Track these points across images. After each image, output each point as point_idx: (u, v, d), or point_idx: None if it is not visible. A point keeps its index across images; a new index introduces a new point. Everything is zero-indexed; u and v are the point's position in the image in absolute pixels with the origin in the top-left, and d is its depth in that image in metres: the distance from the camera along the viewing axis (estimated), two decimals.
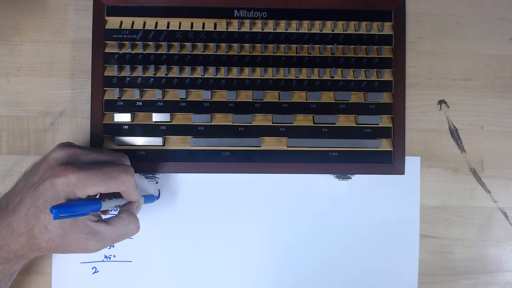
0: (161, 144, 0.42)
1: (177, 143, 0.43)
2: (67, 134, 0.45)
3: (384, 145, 0.44)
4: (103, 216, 0.39)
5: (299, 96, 0.44)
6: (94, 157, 0.36)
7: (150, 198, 0.43)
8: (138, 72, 0.43)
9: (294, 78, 0.43)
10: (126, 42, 0.42)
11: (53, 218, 0.31)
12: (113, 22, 0.43)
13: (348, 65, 0.44)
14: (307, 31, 0.44)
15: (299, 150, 0.43)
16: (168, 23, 0.43)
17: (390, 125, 0.44)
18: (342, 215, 0.46)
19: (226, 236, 0.46)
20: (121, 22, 0.43)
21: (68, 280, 0.44)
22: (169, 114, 0.42)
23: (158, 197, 0.45)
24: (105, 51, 0.43)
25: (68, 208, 0.32)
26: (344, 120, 0.44)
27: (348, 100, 0.44)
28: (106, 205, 0.35)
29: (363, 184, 0.47)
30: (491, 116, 0.48)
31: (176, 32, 0.43)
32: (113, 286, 0.45)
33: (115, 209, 0.39)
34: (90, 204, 0.33)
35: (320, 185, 0.46)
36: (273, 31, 0.44)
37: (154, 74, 0.43)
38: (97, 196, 0.37)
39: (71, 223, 0.34)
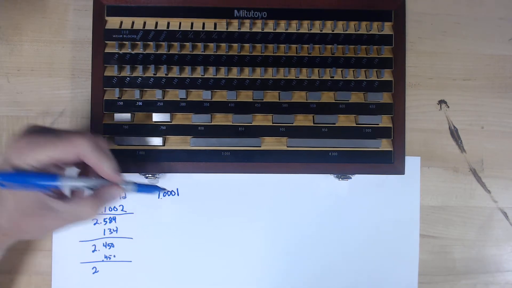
0: (161, 144, 0.42)
1: (177, 143, 0.43)
2: None
3: (384, 145, 0.44)
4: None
5: (299, 96, 0.44)
6: (53, 130, 0.35)
7: (150, 188, 0.39)
8: (138, 72, 0.43)
9: (294, 78, 0.43)
10: (126, 42, 0.42)
11: None
12: (113, 22, 0.43)
13: (348, 65, 0.44)
14: (307, 31, 0.44)
15: (299, 150, 0.43)
16: (168, 23, 0.43)
17: (390, 125, 0.44)
18: (342, 215, 0.46)
19: (226, 236, 0.46)
20: (121, 22, 0.43)
21: (68, 280, 0.44)
22: (169, 114, 0.42)
23: (164, 190, 0.42)
24: (105, 51, 0.43)
25: (16, 177, 0.30)
26: (344, 120, 0.44)
27: (348, 100, 0.44)
28: (68, 181, 0.33)
29: (363, 184, 0.47)
30: (491, 116, 0.48)
31: (176, 32, 0.43)
32: (113, 286, 0.45)
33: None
34: (43, 176, 0.32)
35: (320, 185, 0.46)
36: (273, 31, 0.44)
37: (154, 74, 0.43)
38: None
39: (28, 200, 0.33)
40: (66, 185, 0.33)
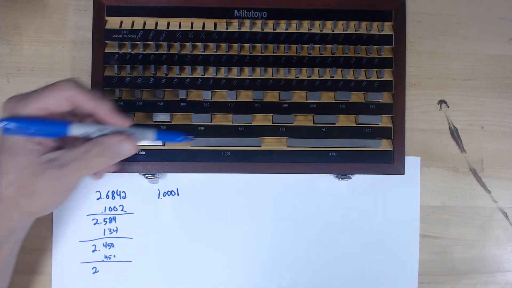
0: (161, 144, 0.42)
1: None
2: None
3: (384, 145, 0.44)
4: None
5: (299, 96, 0.44)
6: (35, 90, 0.32)
7: (171, 135, 0.34)
8: (138, 72, 0.43)
9: (294, 78, 0.43)
10: (126, 42, 0.42)
11: (1, 132, 0.28)
12: (113, 22, 0.43)
13: (348, 65, 0.44)
14: (307, 31, 0.44)
15: (299, 150, 0.43)
16: (168, 23, 0.43)
17: (390, 125, 0.44)
18: (342, 215, 0.46)
19: (226, 235, 0.46)
20: (121, 22, 0.43)
21: (68, 280, 0.44)
22: (169, 114, 0.42)
23: (192, 138, 0.36)
24: (105, 51, 0.43)
25: (27, 122, 0.28)
26: (344, 120, 0.44)
27: (348, 100, 0.44)
28: (79, 126, 0.30)
29: (363, 184, 0.47)
30: (491, 116, 0.48)
31: (176, 32, 0.43)
32: (113, 286, 0.45)
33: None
34: (54, 122, 0.29)
35: (320, 185, 0.46)
36: (273, 31, 0.44)
37: (154, 74, 0.43)
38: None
39: (24, 158, 0.30)
40: (77, 132, 0.30)
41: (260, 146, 0.43)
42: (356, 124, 0.44)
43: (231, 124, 0.43)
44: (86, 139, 0.31)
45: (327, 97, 0.44)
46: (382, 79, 0.44)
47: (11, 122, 0.28)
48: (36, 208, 0.32)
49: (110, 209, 0.45)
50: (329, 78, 0.44)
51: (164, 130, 0.33)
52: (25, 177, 0.30)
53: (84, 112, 0.32)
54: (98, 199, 0.45)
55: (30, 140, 0.31)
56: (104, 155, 0.31)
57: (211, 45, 0.43)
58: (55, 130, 0.29)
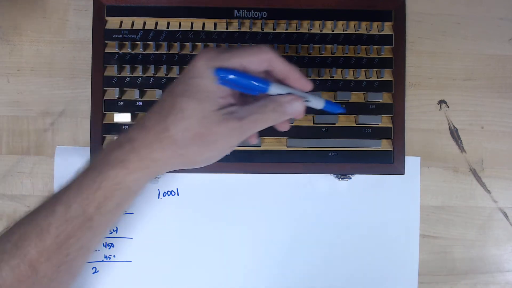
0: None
1: None
2: (67, 134, 0.45)
3: (384, 145, 0.44)
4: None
5: None
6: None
7: (336, 106, 0.36)
8: (138, 72, 0.43)
9: None
10: (126, 42, 0.42)
11: (217, 81, 0.29)
12: (113, 22, 0.43)
13: (348, 65, 0.44)
14: (307, 31, 0.44)
15: (299, 150, 0.43)
16: (168, 23, 0.43)
17: (390, 125, 0.44)
18: (342, 215, 0.46)
19: (226, 235, 0.46)
20: (121, 22, 0.43)
21: None
22: None
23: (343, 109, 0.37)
24: (105, 51, 0.43)
25: (234, 73, 0.29)
26: (344, 120, 0.44)
27: (348, 100, 0.44)
28: (278, 87, 0.32)
29: (363, 184, 0.46)
30: (491, 116, 0.48)
31: (176, 32, 0.43)
32: (113, 286, 0.45)
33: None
34: (257, 79, 0.31)
35: (320, 185, 0.46)
36: (273, 31, 0.44)
37: (154, 74, 0.43)
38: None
39: (208, 107, 0.31)
40: (274, 91, 0.32)
41: (260, 146, 0.43)
42: (356, 124, 0.44)
43: None
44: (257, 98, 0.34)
45: (327, 97, 0.44)
46: (382, 79, 0.44)
47: (231, 74, 0.30)
48: (203, 158, 0.34)
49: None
50: (329, 78, 0.44)
51: (331, 102, 0.35)
52: (205, 125, 0.31)
53: (275, 75, 0.33)
54: None
55: (219, 91, 0.31)
56: (278, 110, 0.33)
57: (211, 45, 0.43)
58: (259, 87, 0.31)
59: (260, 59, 0.32)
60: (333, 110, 0.36)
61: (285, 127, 0.37)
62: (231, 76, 0.30)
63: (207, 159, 0.34)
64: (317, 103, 0.35)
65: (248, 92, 0.31)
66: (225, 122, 0.31)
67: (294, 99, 0.33)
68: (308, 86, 0.34)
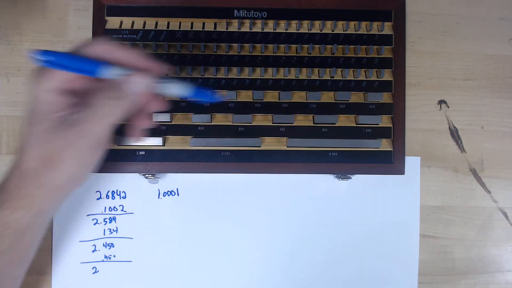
0: (161, 144, 0.42)
1: (177, 143, 0.43)
2: None
3: (384, 145, 0.44)
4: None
5: (299, 96, 0.44)
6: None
7: (204, 94, 0.34)
8: None
9: (294, 78, 0.43)
10: (126, 42, 0.42)
11: (42, 63, 0.29)
12: (113, 22, 0.43)
13: (348, 65, 0.44)
14: (307, 31, 0.44)
15: (299, 150, 0.43)
16: (168, 23, 0.43)
17: (390, 125, 0.44)
18: (342, 215, 0.46)
19: (226, 235, 0.46)
20: (121, 22, 0.43)
21: (68, 280, 0.44)
22: (169, 114, 0.42)
23: (223, 98, 0.36)
24: None
25: (60, 56, 0.29)
26: (344, 120, 0.44)
27: (348, 100, 0.44)
28: (111, 69, 0.30)
29: (363, 184, 0.47)
30: (491, 116, 0.48)
31: (176, 32, 0.43)
32: (113, 286, 0.45)
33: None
34: (86, 60, 0.30)
35: (320, 185, 0.46)
36: (273, 31, 0.44)
37: None
38: None
39: (44, 126, 0.30)
40: (109, 73, 0.30)
41: (260, 146, 0.43)
42: (356, 124, 0.44)
43: (231, 124, 0.43)
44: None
45: (327, 97, 0.44)
46: (382, 79, 0.44)
47: (50, 56, 0.29)
48: (61, 179, 0.31)
49: (110, 209, 0.45)
50: (329, 78, 0.44)
51: (201, 88, 0.32)
52: (45, 147, 0.30)
53: (124, 64, 0.32)
54: (98, 199, 0.45)
55: (54, 105, 0.30)
56: (117, 92, 0.31)
57: (211, 45, 0.43)
58: (89, 67, 0.30)
59: (97, 51, 0.31)
60: (204, 98, 0.33)
61: (145, 123, 0.35)
62: (49, 58, 0.29)
63: (68, 180, 0.32)
64: (178, 88, 0.32)
65: (81, 73, 0.30)
66: (66, 132, 0.30)
67: (132, 76, 0.30)
68: (158, 68, 0.32)
